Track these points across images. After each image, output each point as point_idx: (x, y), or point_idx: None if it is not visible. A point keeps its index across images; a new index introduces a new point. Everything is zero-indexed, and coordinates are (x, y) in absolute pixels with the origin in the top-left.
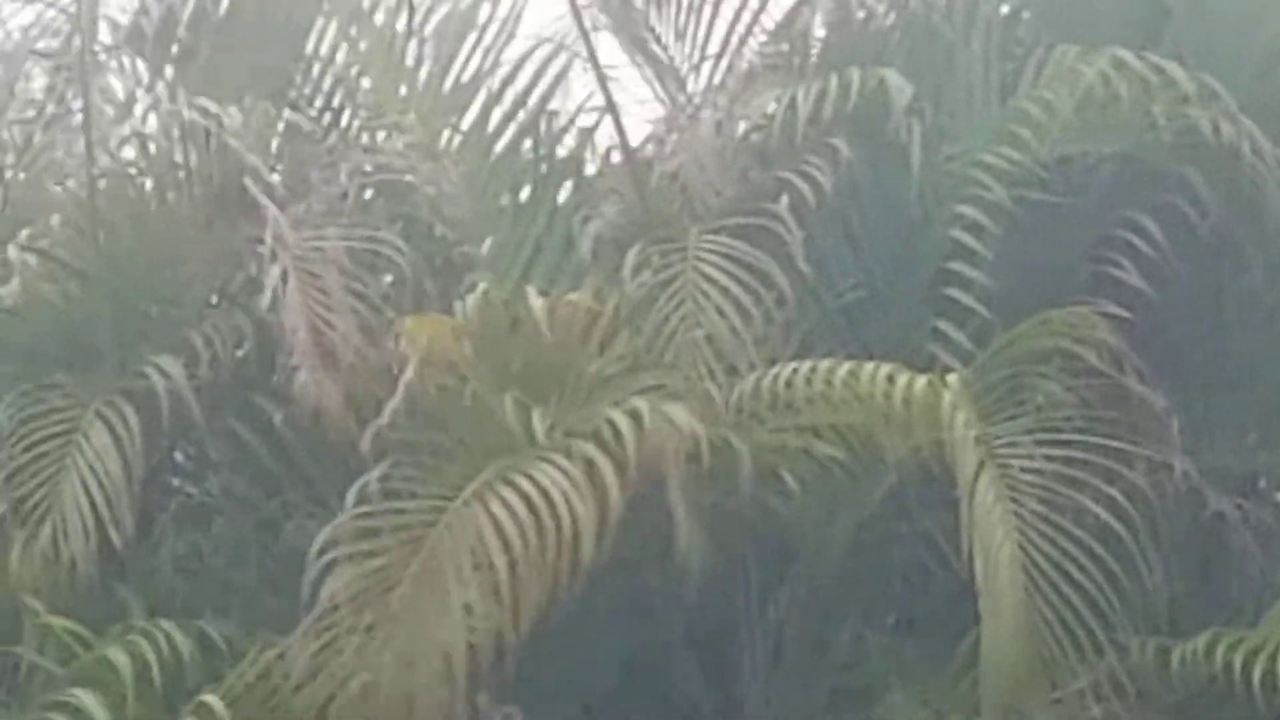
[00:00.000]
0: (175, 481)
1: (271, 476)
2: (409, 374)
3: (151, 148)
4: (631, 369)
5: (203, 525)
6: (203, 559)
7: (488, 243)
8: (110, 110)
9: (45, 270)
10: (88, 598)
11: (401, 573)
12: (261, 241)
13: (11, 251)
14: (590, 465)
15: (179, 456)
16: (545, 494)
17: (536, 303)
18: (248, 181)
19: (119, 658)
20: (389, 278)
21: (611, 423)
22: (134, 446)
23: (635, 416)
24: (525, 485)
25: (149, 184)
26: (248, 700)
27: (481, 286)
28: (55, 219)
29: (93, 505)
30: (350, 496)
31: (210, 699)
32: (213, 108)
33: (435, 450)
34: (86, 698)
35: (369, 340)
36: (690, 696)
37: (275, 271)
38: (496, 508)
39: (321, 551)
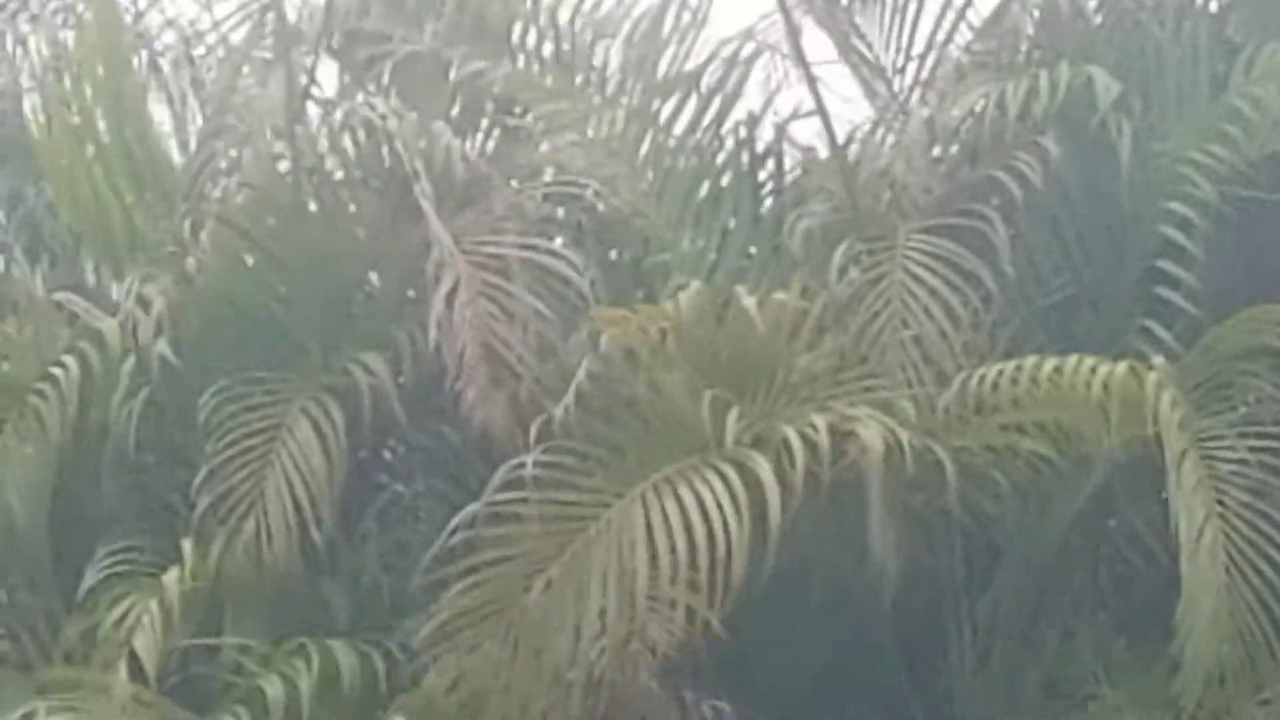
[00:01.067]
0: (380, 479)
1: (474, 473)
2: (585, 367)
3: (348, 146)
4: (837, 369)
5: (408, 522)
6: (408, 556)
7: (681, 243)
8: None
9: (248, 267)
10: (290, 594)
11: (544, 568)
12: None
13: (208, 245)
14: (767, 470)
15: (385, 454)
16: (702, 506)
17: (748, 301)
18: (416, 189)
19: (271, 685)
20: (567, 286)
21: (811, 426)
22: (338, 443)
23: (834, 420)
24: (686, 494)
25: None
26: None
27: (695, 284)
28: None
29: (295, 502)
30: (499, 475)
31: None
32: (383, 109)
33: (603, 446)
34: None
35: (542, 355)
36: (897, 694)
37: (445, 285)
38: (655, 515)
39: (456, 531)
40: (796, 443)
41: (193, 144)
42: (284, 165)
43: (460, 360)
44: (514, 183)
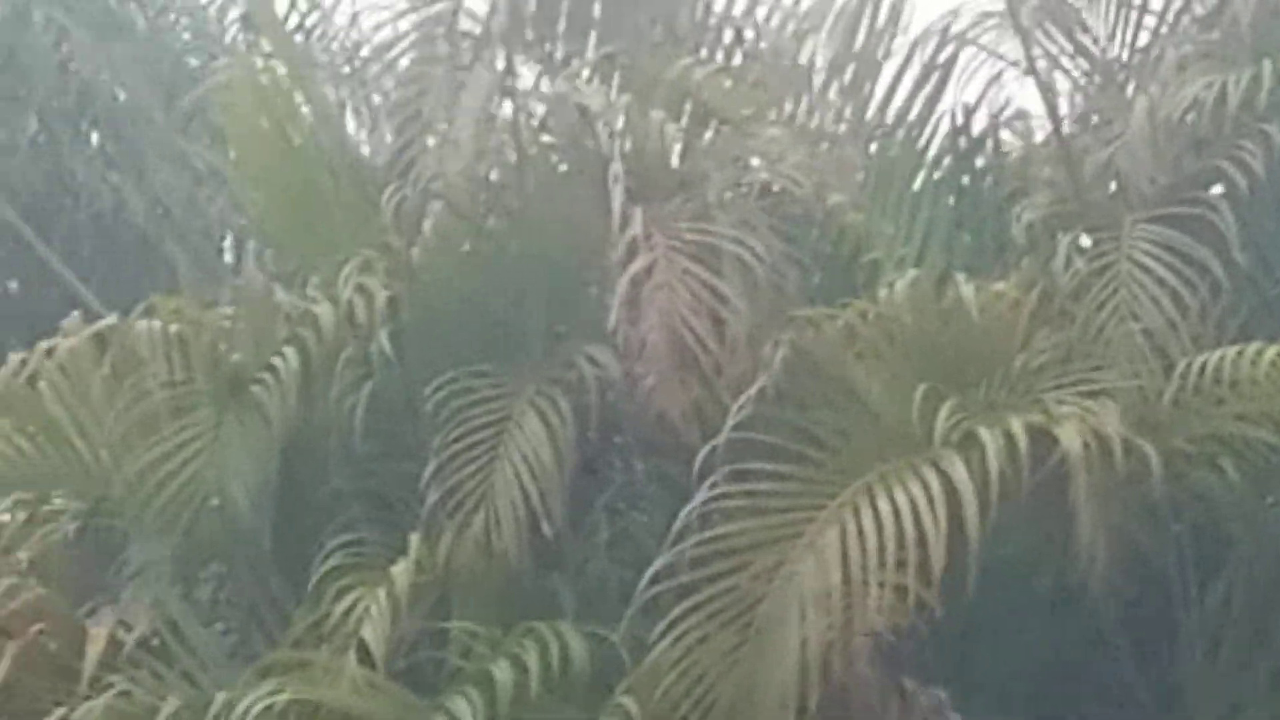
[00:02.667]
0: (608, 470)
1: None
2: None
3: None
4: (1063, 360)
5: (636, 512)
6: (634, 547)
7: (893, 237)
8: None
9: (471, 258)
10: (517, 586)
11: (762, 589)
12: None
13: (431, 236)
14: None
15: (612, 445)
16: (913, 505)
17: (966, 290)
18: (611, 171)
19: (500, 667)
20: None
21: (1013, 428)
22: (566, 436)
23: (1036, 421)
24: (896, 496)
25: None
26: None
27: (911, 274)
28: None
29: (524, 495)
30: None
31: (627, 700)
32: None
33: (802, 441)
34: (459, 704)
35: (731, 348)
36: (1126, 686)
37: (634, 267)
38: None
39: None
40: (995, 445)
41: (389, 140)
42: (503, 158)
43: (643, 345)
44: (725, 175)
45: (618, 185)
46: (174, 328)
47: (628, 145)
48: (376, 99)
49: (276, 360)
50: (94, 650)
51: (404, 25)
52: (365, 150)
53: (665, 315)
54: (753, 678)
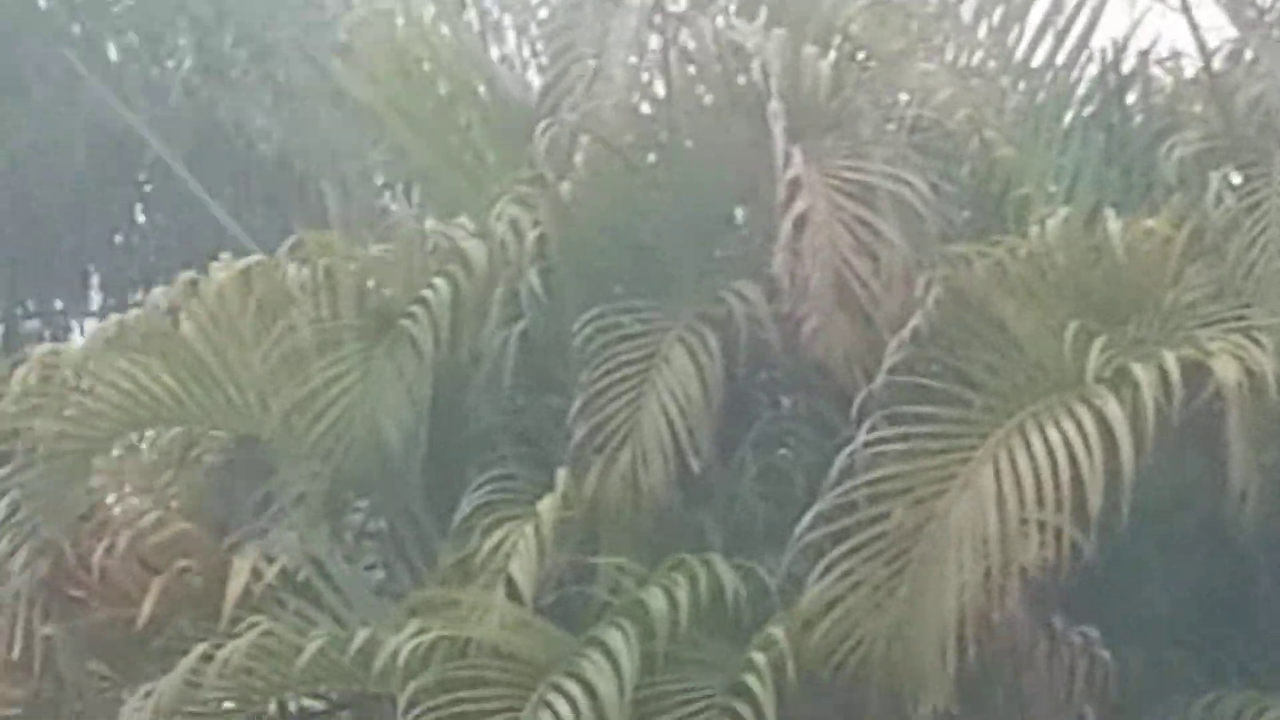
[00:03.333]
0: (756, 406)
1: (850, 398)
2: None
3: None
4: (1214, 297)
5: (785, 449)
6: (783, 483)
7: (1044, 173)
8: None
9: (622, 193)
10: (665, 522)
11: (917, 531)
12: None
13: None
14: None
15: (760, 381)
16: (1067, 443)
17: (1115, 228)
18: (770, 108)
19: (653, 598)
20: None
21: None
22: (714, 371)
23: (1190, 355)
24: (1050, 435)
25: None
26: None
27: (1063, 211)
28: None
29: (672, 430)
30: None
31: (778, 632)
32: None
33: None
34: (614, 637)
35: (892, 288)
36: (1275, 622)
37: (796, 208)
38: (1020, 459)
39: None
40: (1149, 380)
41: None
42: (652, 93)
43: (805, 286)
44: (879, 111)
45: (778, 124)
46: (323, 263)
47: (783, 80)
48: (528, 32)
49: (427, 293)
50: (235, 585)
51: None
52: (516, 86)
53: (826, 255)
54: (907, 618)
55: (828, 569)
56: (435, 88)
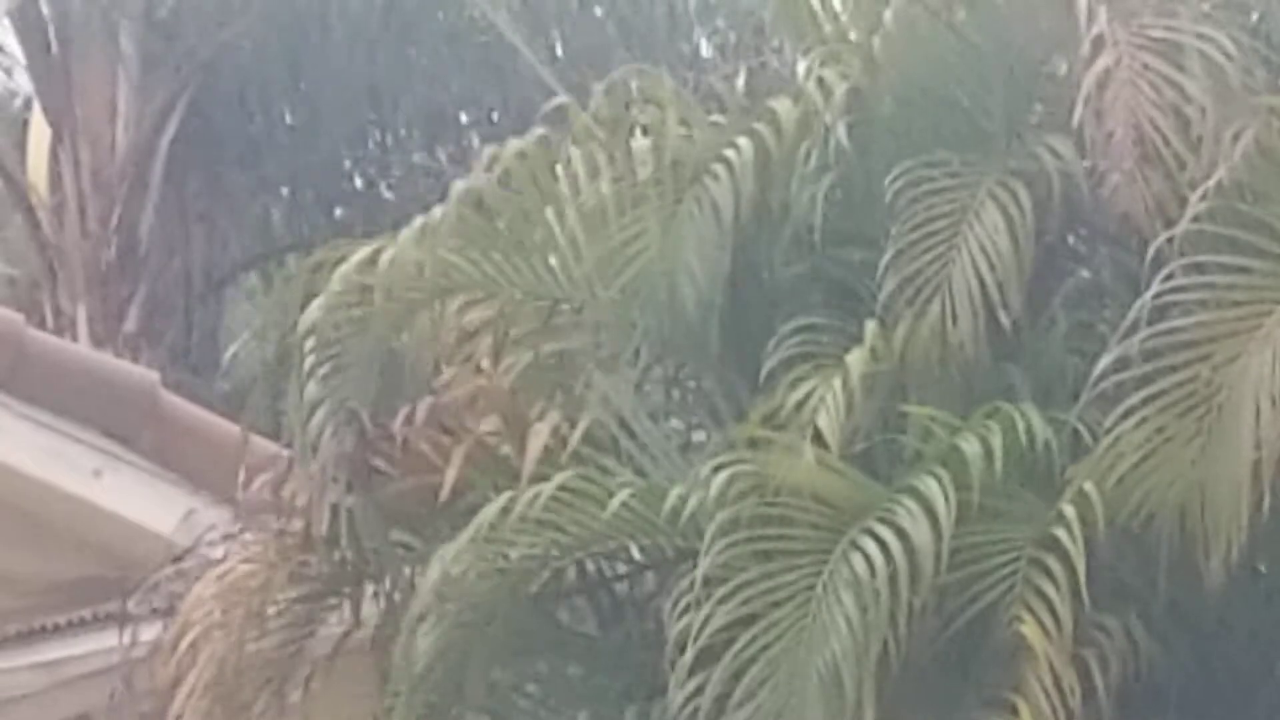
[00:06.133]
0: (1067, 263)
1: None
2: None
3: None
4: None
5: (1095, 304)
6: (1093, 338)
7: None
8: None
9: (935, 48)
10: (974, 377)
11: (1219, 382)
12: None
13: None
14: None
15: (1071, 238)
16: None
17: None
18: None
19: (969, 444)
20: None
21: None
22: (1025, 226)
23: None
24: None
25: None
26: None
27: None
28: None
29: (982, 285)
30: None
31: (1088, 486)
32: None
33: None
34: (929, 483)
35: (1193, 144)
36: None
37: (1099, 64)
38: None
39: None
40: None
41: None
42: None
43: (1108, 141)
44: None
45: None
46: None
47: None
48: None
49: (729, 152)
50: (536, 444)
51: None
52: None
53: (1129, 113)
54: (1207, 469)
55: (1127, 415)
56: None
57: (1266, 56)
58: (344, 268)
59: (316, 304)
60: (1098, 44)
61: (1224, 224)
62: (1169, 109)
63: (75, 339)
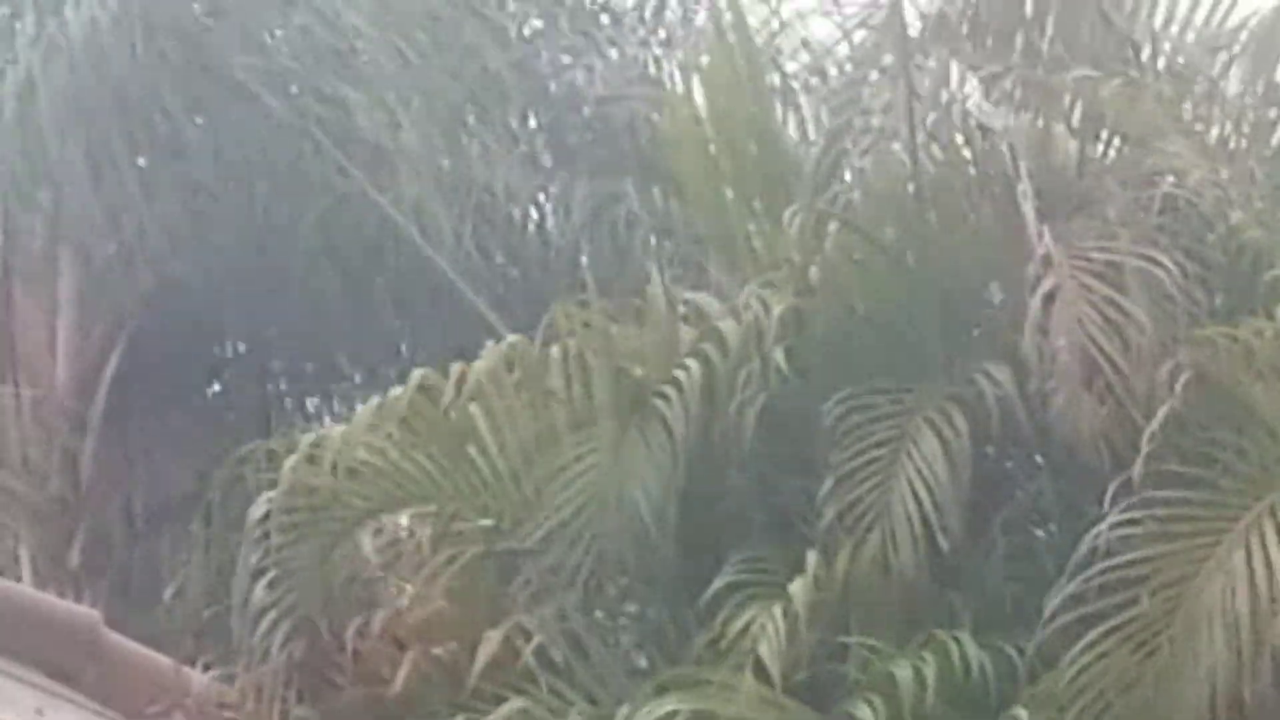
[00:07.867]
0: (1005, 487)
1: (1102, 482)
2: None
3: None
4: None
5: (1034, 530)
6: (1033, 564)
7: None
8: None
9: (871, 274)
10: (915, 603)
11: (1168, 613)
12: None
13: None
14: None
15: (1009, 463)
16: None
17: None
18: (1019, 189)
19: (902, 671)
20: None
21: None
22: (962, 451)
23: None
24: None
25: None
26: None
27: None
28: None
29: (921, 511)
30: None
31: (1022, 712)
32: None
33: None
34: (863, 711)
35: (1138, 367)
36: None
37: (1044, 287)
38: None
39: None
40: None
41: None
42: (903, 172)
43: (1053, 364)
44: (1128, 192)
45: (1027, 203)
46: (573, 343)
47: (1031, 161)
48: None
49: (679, 374)
50: (485, 653)
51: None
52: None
53: (1073, 333)
54: (1158, 700)
55: (1083, 650)
56: (726, 164)
57: (1204, 277)
58: (290, 460)
59: (263, 499)
60: (1043, 265)
61: (1168, 456)
62: (1113, 331)
63: (19, 578)
